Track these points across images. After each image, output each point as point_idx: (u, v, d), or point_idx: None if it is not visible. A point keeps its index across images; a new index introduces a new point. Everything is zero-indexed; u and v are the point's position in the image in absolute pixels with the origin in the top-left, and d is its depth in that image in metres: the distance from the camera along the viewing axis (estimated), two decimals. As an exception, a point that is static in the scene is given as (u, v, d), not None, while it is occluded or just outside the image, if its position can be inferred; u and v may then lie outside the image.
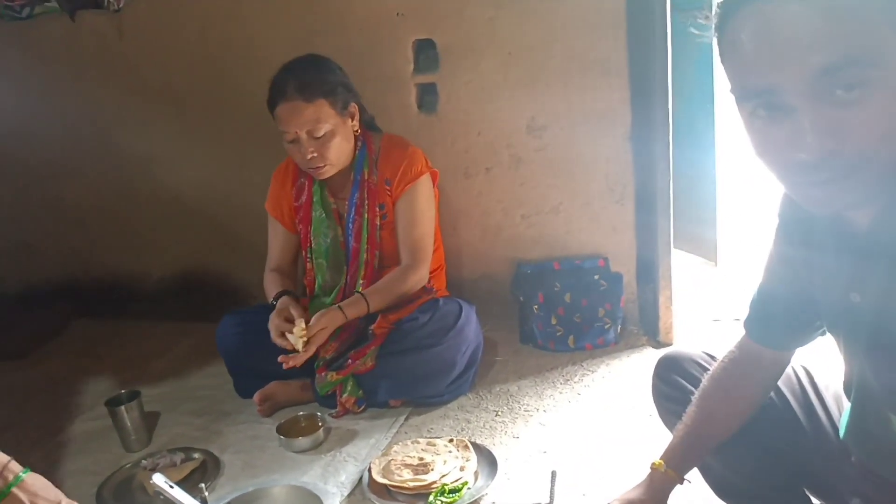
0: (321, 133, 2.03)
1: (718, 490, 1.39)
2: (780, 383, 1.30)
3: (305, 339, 1.97)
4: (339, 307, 2.06)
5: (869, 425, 1.07)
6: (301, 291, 2.37)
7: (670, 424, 1.41)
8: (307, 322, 2.01)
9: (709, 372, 1.29)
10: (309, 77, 2.02)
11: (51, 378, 2.58)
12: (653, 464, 1.28)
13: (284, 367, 1.98)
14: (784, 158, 0.86)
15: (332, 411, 2.11)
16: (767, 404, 1.28)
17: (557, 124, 2.42)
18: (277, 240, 2.32)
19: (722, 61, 0.89)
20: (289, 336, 1.99)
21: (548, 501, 1.57)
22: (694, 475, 1.32)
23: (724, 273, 2.89)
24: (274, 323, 2.05)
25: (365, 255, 2.20)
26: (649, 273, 2.43)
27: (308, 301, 2.32)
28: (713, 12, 0.89)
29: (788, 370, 1.32)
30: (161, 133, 2.88)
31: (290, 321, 2.03)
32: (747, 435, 1.26)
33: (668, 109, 2.18)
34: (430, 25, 2.44)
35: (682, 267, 2.63)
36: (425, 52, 2.51)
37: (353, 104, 2.12)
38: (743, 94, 0.87)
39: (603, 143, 2.40)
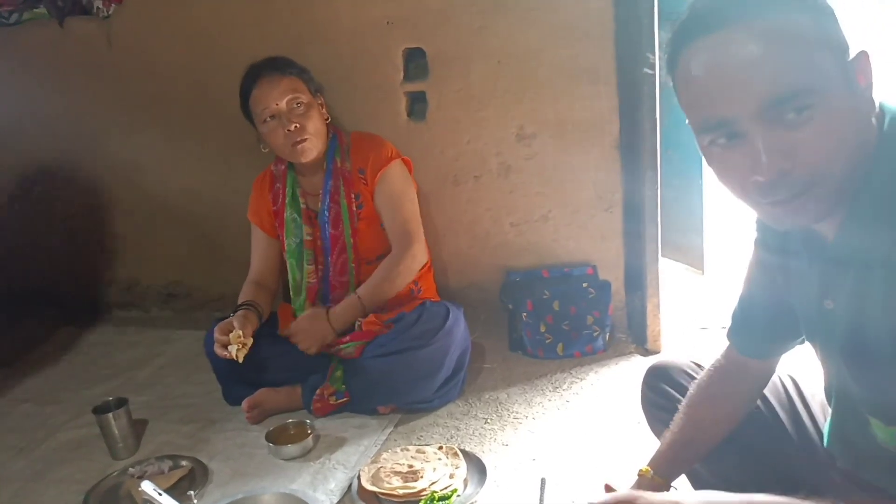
0: (300, 102, 2.10)
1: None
2: (766, 392, 1.32)
3: (240, 346, 2.00)
4: (328, 316, 2.11)
5: (850, 430, 1.09)
6: (288, 298, 2.36)
7: (658, 432, 1.42)
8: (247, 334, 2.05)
9: (696, 380, 1.30)
10: (279, 60, 2.15)
11: (37, 385, 2.56)
12: (640, 470, 1.29)
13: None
14: (742, 182, 0.90)
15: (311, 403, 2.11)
16: (755, 413, 1.30)
17: (546, 133, 2.44)
18: (259, 248, 2.34)
19: (678, 98, 0.94)
20: (229, 348, 2.01)
21: (537, 508, 1.56)
22: (682, 483, 1.33)
23: (710, 281, 2.91)
24: (215, 336, 2.07)
25: (351, 240, 2.21)
26: (637, 281, 2.44)
27: (293, 307, 2.32)
28: (662, 52, 0.93)
29: (775, 379, 1.34)
30: (147, 141, 2.87)
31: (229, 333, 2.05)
32: (735, 443, 1.28)
33: (655, 118, 2.20)
34: (419, 34, 2.45)
35: (669, 275, 2.65)
36: (415, 61, 2.52)
37: (320, 95, 2.20)
38: (700, 128, 0.92)
39: (591, 151, 2.41)
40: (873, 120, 0.90)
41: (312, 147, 2.13)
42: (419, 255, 2.20)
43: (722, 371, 1.27)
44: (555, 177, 2.48)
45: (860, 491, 1.13)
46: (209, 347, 2.24)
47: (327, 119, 2.20)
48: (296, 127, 2.08)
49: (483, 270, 2.64)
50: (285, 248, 2.28)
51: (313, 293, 2.26)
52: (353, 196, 2.21)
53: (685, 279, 2.95)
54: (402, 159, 2.26)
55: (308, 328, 2.12)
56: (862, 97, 0.88)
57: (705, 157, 0.95)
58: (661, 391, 1.42)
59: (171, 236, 2.98)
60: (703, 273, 2.98)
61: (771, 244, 1.13)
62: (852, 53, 0.88)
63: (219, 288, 2.99)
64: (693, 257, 3.02)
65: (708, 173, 2.90)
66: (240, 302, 2.22)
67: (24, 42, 2.85)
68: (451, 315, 2.15)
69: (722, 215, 3.19)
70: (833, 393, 1.11)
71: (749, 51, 0.84)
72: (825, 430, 1.19)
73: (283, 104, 2.08)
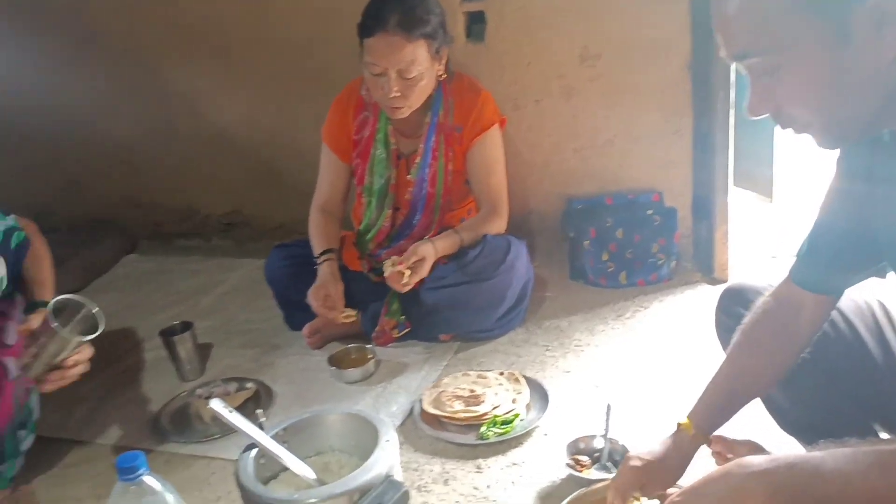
0: (412, 75, 1.95)
1: (783, 423, 1.36)
2: (851, 314, 1.25)
3: (400, 269, 1.95)
4: (432, 241, 2.03)
5: None
6: (347, 225, 2.34)
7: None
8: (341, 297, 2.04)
9: (740, 325, 1.24)
10: (415, 12, 1.91)
11: (104, 311, 2.61)
12: (679, 424, 1.24)
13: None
14: None
15: (373, 333, 2.12)
16: (835, 335, 1.24)
17: (612, 53, 2.33)
18: (329, 172, 2.25)
19: None
20: (385, 266, 1.99)
21: (602, 434, 1.55)
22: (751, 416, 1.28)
23: (780, 209, 2.80)
24: (314, 303, 2.01)
25: (440, 201, 2.18)
26: (705, 208, 2.36)
27: (354, 236, 2.31)
28: None
29: (860, 302, 1.27)
30: (204, 69, 2.85)
31: (330, 297, 2.02)
32: (813, 366, 1.21)
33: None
34: (479, -50, 2.34)
35: (737, 202, 2.55)
36: (474, -22, 2.42)
37: (445, 48, 2.03)
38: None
39: (660, 72, 2.30)
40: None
41: (408, 110, 2.03)
42: (504, 223, 2.17)
43: (771, 313, 1.20)
44: (620, 100, 2.37)
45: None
46: (270, 274, 2.27)
47: (442, 76, 2.08)
48: (396, 95, 1.96)
49: (543, 198, 2.58)
50: (364, 183, 2.21)
51: (383, 235, 2.23)
52: (450, 154, 2.15)
53: (753, 207, 2.84)
54: (500, 120, 2.17)
55: (421, 254, 1.99)
56: (871, 44, 0.84)
57: None
58: (737, 315, 1.36)
59: (229, 165, 2.98)
60: (771, 201, 2.87)
61: (856, 166, 1.05)
62: None
63: (278, 217, 3.00)
64: (762, 185, 2.90)
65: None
66: (320, 247, 2.14)
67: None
68: (512, 248, 2.09)
69: (793, 142, 3.04)
70: None
71: (728, 6, 0.88)
72: None
73: (393, 71, 1.93)
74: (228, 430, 1.68)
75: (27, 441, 1.64)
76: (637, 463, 1.23)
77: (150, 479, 1.14)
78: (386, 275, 1.98)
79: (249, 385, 1.99)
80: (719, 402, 1.24)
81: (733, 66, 2.05)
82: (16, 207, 1.76)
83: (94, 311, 1.49)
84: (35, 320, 1.49)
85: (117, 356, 2.28)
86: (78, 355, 1.50)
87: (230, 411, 1.30)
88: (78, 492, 1.67)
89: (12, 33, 2.98)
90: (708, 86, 2.21)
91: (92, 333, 1.48)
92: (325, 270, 2.09)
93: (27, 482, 1.68)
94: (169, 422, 1.88)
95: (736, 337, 1.24)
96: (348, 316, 2.04)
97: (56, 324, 1.42)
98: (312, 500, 1.19)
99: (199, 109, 2.92)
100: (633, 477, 1.22)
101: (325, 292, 2.03)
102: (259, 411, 1.42)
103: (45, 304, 1.55)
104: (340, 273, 2.12)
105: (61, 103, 3.05)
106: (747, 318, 1.23)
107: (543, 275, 2.44)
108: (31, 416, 1.66)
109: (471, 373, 1.89)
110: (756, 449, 1.24)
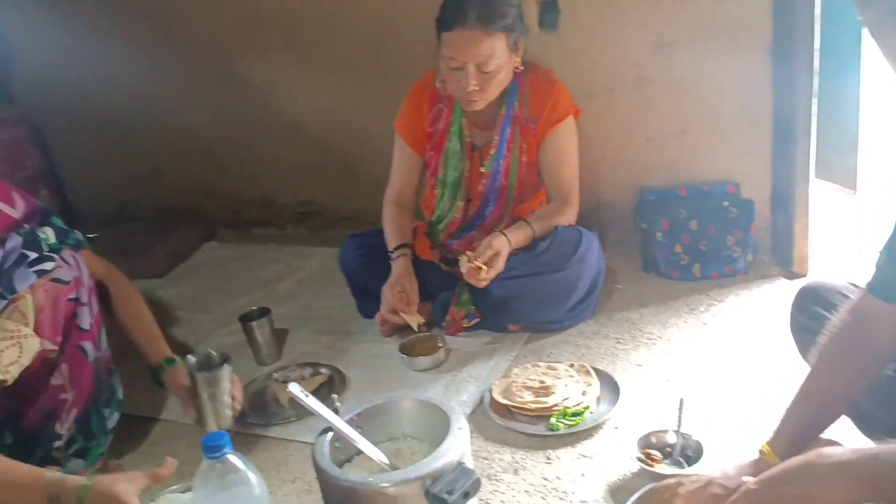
0: (490, 68, 1.94)
1: (865, 427, 1.31)
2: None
3: (477, 265, 1.96)
4: (505, 234, 2.04)
5: None
6: (418, 215, 2.37)
7: (808, 358, 1.33)
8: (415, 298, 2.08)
9: (817, 344, 1.20)
10: (494, 5, 1.91)
11: (187, 296, 2.73)
12: (761, 451, 1.22)
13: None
14: None
15: (443, 323, 2.14)
16: None
17: (688, 40, 2.27)
18: (404, 164, 2.27)
19: None
20: (462, 263, 2.00)
21: (675, 429, 1.53)
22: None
23: (864, 201, 2.69)
24: (388, 299, 2.06)
25: (513, 193, 2.18)
26: (784, 200, 2.28)
27: (426, 226, 2.33)
28: None
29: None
30: (278, 60, 2.92)
31: (405, 294, 2.06)
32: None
33: (813, 20, 2.00)
34: (552, -63, 2.32)
35: (817, 194, 2.46)
36: (547, -35, 2.39)
37: (522, 40, 2.02)
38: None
39: (738, 58, 2.24)
40: None
41: (483, 103, 2.03)
42: (575, 215, 2.17)
43: (845, 330, 1.16)
44: (696, 88, 2.32)
45: None
46: (344, 263, 2.31)
47: (518, 68, 2.07)
48: (474, 89, 1.97)
49: (615, 189, 2.54)
50: (437, 175, 2.23)
51: (455, 226, 2.26)
52: (524, 146, 2.15)
53: (836, 199, 2.74)
54: (574, 111, 2.16)
55: (496, 248, 2.01)
56: None
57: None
58: (813, 314, 1.33)
59: (303, 155, 3.05)
60: (855, 192, 2.76)
61: None
62: None
63: (351, 206, 3.05)
64: (844, 176, 2.79)
65: (866, 82, 2.62)
66: (395, 242, 2.17)
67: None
68: (583, 240, 2.08)
69: (880, 131, 2.91)
70: None
71: None
72: None
73: (471, 65, 1.93)
74: (304, 413, 1.75)
75: (112, 419, 1.73)
76: (718, 491, 1.19)
77: (233, 458, 1.19)
78: (463, 271, 2.00)
79: (324, 370, 2.04)
80: (800, 426, 1.21)
81: (817, 53, 2.02)
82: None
83: (214, 353, 1.78)
84: (184, 381, 1.73)
85: (200, 339, 2.37)
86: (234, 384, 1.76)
87: (306, 395, 1.35)
88: (163, 468, 1.75)
89: (101, 27, 3.10)
90: (790, 72, 2.13)
91: (224, 362, 1.73)
92: (401, 266, 2.13)
93: (118, 458, 1.78)
94: (247, 404, 1.94)
95: (813, 357, 1.20)
96: (418, 323, 2.08)
97: (203, 373, 1.69)
98: (387, 484, 1.22)
99: (274, 101, 2.99)
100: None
101: (399, 288, 2.07)
102: (334, 396, 1.46)
103: (171, 360, 1.78)
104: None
105: (146, 95, 3.18)
106: (822, 337, 1.19)
107: (615, 266, 2.42)
108: (114, 394, 1.75)
109: (541, 364, 1.89)
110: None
